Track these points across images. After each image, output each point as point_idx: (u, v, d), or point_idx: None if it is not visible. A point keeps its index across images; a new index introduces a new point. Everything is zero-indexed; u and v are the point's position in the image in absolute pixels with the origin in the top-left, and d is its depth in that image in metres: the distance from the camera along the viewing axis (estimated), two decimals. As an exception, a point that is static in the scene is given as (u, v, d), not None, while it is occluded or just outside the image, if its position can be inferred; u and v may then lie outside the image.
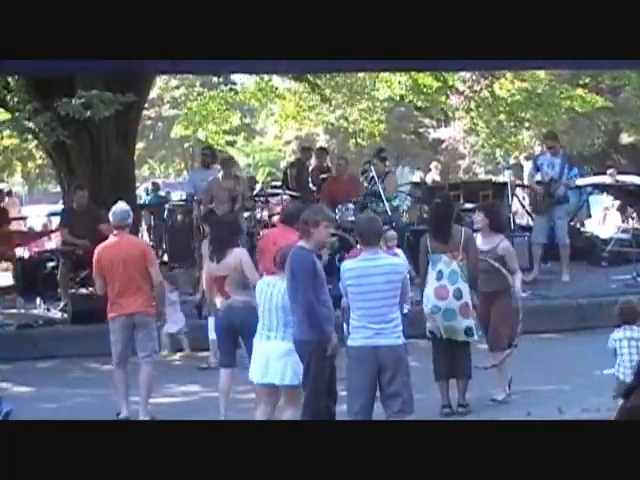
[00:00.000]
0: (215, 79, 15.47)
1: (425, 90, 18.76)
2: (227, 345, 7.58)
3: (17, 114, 12.45)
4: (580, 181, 16.18)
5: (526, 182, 11.81)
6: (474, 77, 18.94)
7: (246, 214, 12.53)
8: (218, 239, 7.69)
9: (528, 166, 13.86)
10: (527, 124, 20.96)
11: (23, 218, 18.43)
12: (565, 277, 11.82)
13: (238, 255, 7.43)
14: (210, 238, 7.98)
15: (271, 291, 6.57)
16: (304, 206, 7.84)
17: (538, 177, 11.88)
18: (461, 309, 7.46)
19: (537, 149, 28.38)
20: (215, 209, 11.72)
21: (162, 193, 20.46)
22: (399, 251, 8.56)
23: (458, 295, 7.46)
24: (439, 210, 7.91)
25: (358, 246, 6.84)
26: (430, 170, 21.24)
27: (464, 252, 7.54)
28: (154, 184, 21.34)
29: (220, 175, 12.06)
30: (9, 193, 19.83)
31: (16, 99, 12.53)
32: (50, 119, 11.94)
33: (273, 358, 6.51)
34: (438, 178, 20.08)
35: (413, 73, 17.99)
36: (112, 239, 7.86)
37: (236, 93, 18.11)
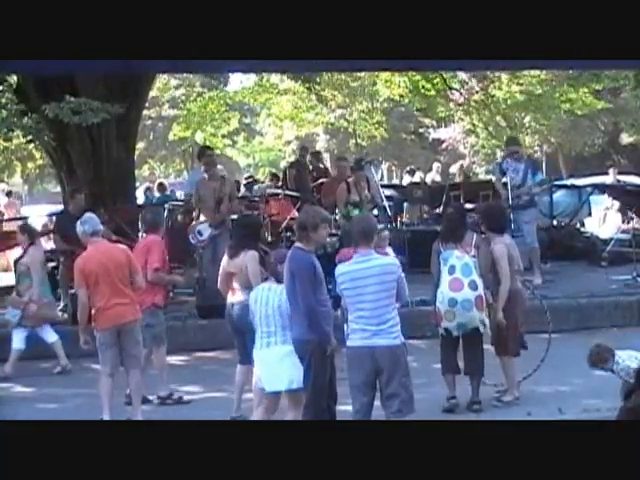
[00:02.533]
0: (214, 80, 15.44)
1: (425, 92, 18.77)
2: (238, 343, 7.64)
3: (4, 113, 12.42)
4: (580, 181, 16.16)
5: (500, 186, 11.69)
6: (471, 79, 18.99)
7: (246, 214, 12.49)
8: (237, 238, 7.78)
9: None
10: (526, 125, 21.03)
11: (23, 218, 18.42)
12: (537, 280, 11.50)
13: (247, 258, 7.48)
14: (232, 235, 8.04)
15: (267, 295, 6.57)
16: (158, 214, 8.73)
17: (504, 180, 11.71)
18: (477, 301, 7.47)
19: (537, 149, 28.43)
20: (202, 209, 11.58)
21: (168, 192, 20.40)
22: (389, 250, 8.55)
23: (473, 286, 7.48)
24: (455, 217, 8.26)
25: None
26: (431, 170, 21.31)
27: (475, 249, 7.67)
28: (161, 184, 21.32)
29: (206, 175, 11.91)
30: (8, 194, 19.84)
31: (3, 100, 12.51)
32: (37, 121, 11.91)
33: (276, 364, 6.51)
34: (438, 178, 20.12)
35: (412, 74, 18.03)
36: (92, 247, 7.76)
37: (226, 92, 18.05)
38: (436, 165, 21.68)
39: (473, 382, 7.68)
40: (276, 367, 6.52)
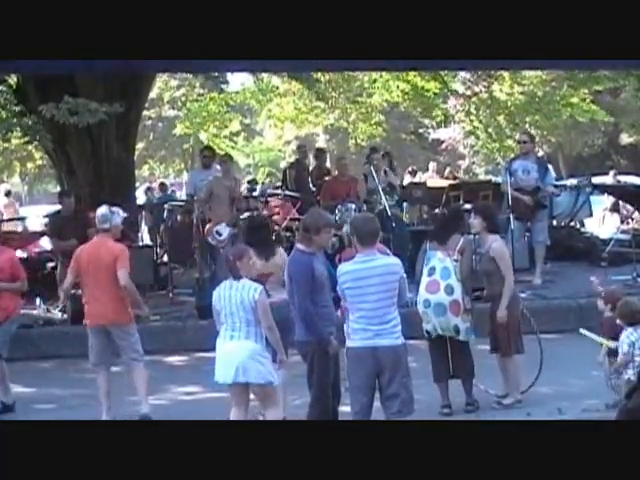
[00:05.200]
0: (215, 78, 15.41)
1: (424, 94, 18.74)
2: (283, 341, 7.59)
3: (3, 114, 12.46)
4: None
5: (508, 190, 11.35)
6: (472, 79, 18.94)
7: (246, 214, 12.51)
8: (264, 238, 7.71)
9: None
10: (527, 125, 20.98)
11: (22, 218, 18.44)
12: (537, 280, 11.53)
13: (284, 255, 7.49)
14: (250, 238, 7.87)
15: (229, 293, 6.54)
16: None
17: (507, 181, 11.41)
18: (451, 306, 7.47)
19: (537, 149, 28.38)
20: (213, 208, 11.64)
21: (169, 192, 20.47)
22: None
23: (449, 291, 7.49)
24: (444, 218, 8.15)
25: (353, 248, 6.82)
26: (427, 170, 21.33)
27: (459, 254, 7.61)
28: (162, 184, 21.34)
29: (220, 174, 12.03)
30: (7, 193, 19.84)
31: (2, 100, 12.54)
32: (35, 121, 11.93)
33: (236, 357, 6.47)
34: (435, 178, 20.15)
35: (412, 78, 18.01)
36: (92, 241, 7.88)
37: (226, 93, 18.01)
38: (432, 165, 21.72)
39: (465, 384, 7.69)
40: (236, 360, 6.46)
